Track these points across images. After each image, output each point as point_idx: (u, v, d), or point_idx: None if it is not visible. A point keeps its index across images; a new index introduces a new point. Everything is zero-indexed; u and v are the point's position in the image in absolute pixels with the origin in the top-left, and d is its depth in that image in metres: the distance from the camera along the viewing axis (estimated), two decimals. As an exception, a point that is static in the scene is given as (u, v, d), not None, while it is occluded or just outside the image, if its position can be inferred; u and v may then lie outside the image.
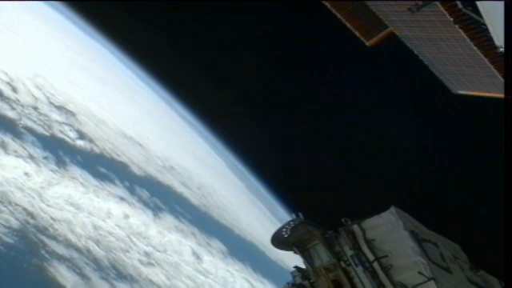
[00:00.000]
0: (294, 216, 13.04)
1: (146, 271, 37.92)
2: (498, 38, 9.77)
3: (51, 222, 32.87)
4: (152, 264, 39.38)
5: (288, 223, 12.84)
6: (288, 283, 12.84)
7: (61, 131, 44.18)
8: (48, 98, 47.48)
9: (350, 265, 11.76)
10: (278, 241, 12.98)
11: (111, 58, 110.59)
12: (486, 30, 10.32)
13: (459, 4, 10.84)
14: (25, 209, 31.54)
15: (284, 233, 12.75)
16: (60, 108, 47.74)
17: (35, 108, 43.56)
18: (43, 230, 31.56)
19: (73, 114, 49.09)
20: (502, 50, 9.85)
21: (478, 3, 9.67)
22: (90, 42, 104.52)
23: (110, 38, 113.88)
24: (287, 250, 13.12)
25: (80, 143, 45.33)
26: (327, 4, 13.51)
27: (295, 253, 12.85)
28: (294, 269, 12.98)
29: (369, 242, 11.80)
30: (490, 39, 10.44)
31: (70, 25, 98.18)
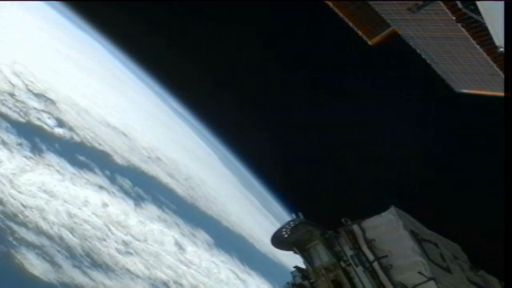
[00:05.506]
0: (294, 216, 13.08)
1: (124, 260, 36.98)
2: (498, 38, 9.65)
3: (21, 208, 31.86)
4: (130, 253, 38.43)
5: (288, 223, 12.93)
6: (288, 283, 12.88)
7: (38, 118, 43.12)
8: (26, 85, 46.40)
9: (350, 265, 11.82)
10: (278, 241, 13.02)
11: (101, 49, 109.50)
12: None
13: (459, 4, 10.75)
14: (-7, 195, 30.55)
15: (284, 233, 12.82)
16: (39, 96, 46.66)
17: (11, 94, 42.49)
18: (12, 217, 30.55)
19: (53, 102, 47.99)
20: (502, 50, 9.74)
21: (477, 3, 9.53)
22: (78, 33, 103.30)
23: (101, 31, 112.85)
24: (287, 249, 13.12)
25: (59, 131, 44.26)
26: (329, 3, 13.56)
27: (295, 253, 12.86)
28: (293, 269, 13.00)
29: (369, 242, 11.83)
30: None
31: (54, 14, 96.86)
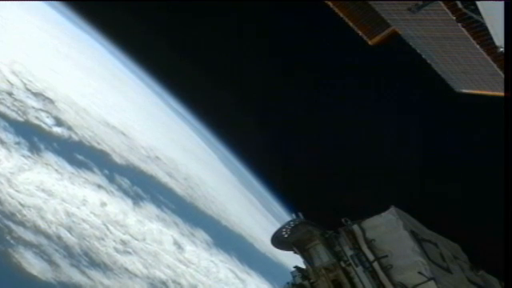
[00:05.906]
0: (293, 216, 13.14)
1: (122, 259, 36.89)
2: (498, 38, 9.73)
3: (19, 207, 31.78)
4: (129, 252, 38.33)
5: (288, 223, 12.99)
6: (288, 283, 12.90)
7: (37, 117, 43.04)
8: (25, 84, 46.31)
9: (350, 265, 11.84)
10: (278, 241, 13.08)
11: (101, 49, 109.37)
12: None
13: (459, 4, 10.82)
14: (-10, 194, 30.46)
15: (284, 233, 12.88)
16: (37, 95, 46.57)
17: (10, 94, 42.40)
18: (10, 216, 30.48)
19: (51, 102, 47.91)
20: (502, 49, 9.83)
21: (477, 3, 9.59)
22: (78, 32, 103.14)
23: (101, 31, 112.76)
24: (287, 249, 13.17)
25: (57, 130, 44.18)
26: (329, 3, 13.65)
27: (295, 253, 12.89)
28: (293, 269, 13.02)
29: (369, 242, 11.86)
30: (493, 37, 10.37)
31: (55, 14, 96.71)
